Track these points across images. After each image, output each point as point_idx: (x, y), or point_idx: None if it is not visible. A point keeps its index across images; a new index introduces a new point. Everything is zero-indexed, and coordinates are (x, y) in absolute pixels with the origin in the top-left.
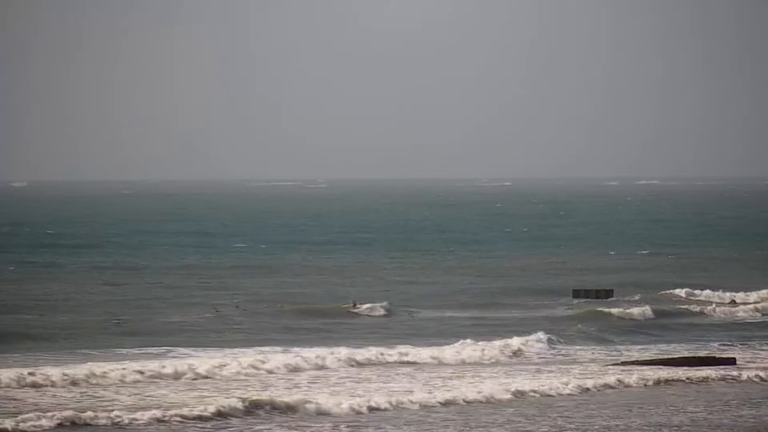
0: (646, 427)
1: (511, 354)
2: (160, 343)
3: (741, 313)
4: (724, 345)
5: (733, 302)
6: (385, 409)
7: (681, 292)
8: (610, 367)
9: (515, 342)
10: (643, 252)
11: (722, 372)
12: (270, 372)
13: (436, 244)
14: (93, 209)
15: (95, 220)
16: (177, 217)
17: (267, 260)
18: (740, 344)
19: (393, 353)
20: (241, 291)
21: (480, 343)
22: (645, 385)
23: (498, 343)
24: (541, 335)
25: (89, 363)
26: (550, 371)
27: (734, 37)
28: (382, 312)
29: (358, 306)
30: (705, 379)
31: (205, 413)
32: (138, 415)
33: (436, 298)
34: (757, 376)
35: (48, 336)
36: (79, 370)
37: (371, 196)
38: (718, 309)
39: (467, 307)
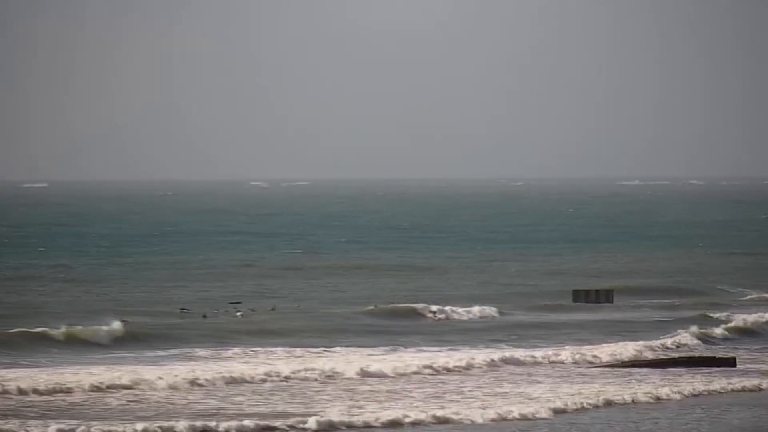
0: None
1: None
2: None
3: None
4: None
5: None
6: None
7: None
8: (609, 368)
9: (679, 339)
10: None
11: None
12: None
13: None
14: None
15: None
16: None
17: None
18: None
19: (585, 352)
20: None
21: (643, 342)
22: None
23: (670, 341)
24: (693, 332)
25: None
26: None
27: (734, 37)
28: (470, 315)
29: (436, 309)
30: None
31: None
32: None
33: (510, 298)
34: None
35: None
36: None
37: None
38: None
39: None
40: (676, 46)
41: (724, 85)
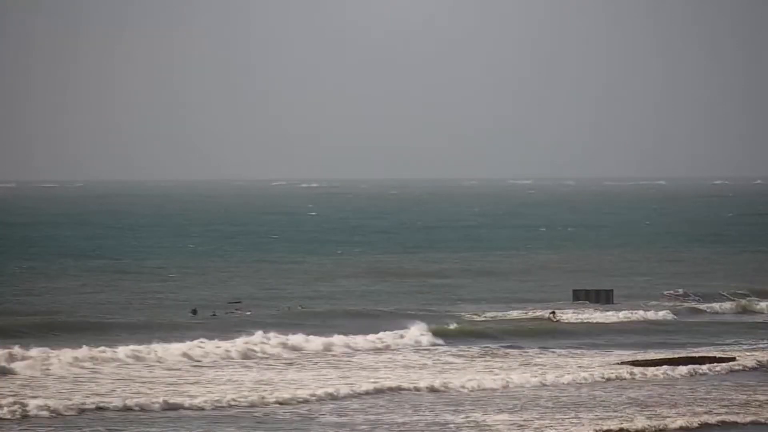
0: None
1: None
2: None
3: None
4: None
5: None
6: None
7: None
8: (612, 366)
9: None
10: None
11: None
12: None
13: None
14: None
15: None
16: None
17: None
18: None
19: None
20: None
21: None
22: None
23: None
24: None
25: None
26: None
27: (734, 37)
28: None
29: (559, 316)
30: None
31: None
32: None
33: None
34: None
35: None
36: None
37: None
38: None
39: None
40: (677, 46)
41: (725, 85)
